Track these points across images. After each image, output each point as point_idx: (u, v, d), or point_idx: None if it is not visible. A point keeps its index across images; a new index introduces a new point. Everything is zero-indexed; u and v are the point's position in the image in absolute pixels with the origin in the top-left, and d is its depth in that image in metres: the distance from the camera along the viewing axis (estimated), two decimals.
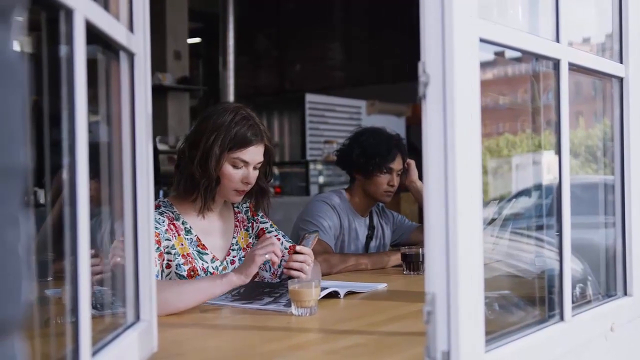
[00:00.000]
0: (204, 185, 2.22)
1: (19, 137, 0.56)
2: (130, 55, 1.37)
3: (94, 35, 1.13)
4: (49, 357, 1.15)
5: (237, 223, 2.42)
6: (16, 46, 0.59)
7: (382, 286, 2.40)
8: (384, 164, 3.04)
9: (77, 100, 1.03)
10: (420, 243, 3.07)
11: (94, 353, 1.11)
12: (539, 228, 1.98)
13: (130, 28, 1.37)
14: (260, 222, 2.47)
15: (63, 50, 1.03)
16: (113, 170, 1.39)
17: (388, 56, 9.52)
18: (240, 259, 2.36)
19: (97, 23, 1.13)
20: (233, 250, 2.38)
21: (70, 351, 1.03)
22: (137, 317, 1.40)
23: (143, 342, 1.37)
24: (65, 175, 1.04)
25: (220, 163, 2.21)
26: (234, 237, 2.39)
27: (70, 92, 1.03)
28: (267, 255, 2.01)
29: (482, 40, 1.28)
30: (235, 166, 2.24)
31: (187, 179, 2.25)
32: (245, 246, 2.41)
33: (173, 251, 2.19)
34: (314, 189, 7.51)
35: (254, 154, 2.25)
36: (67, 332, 1.05)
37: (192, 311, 1.97)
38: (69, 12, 1.02)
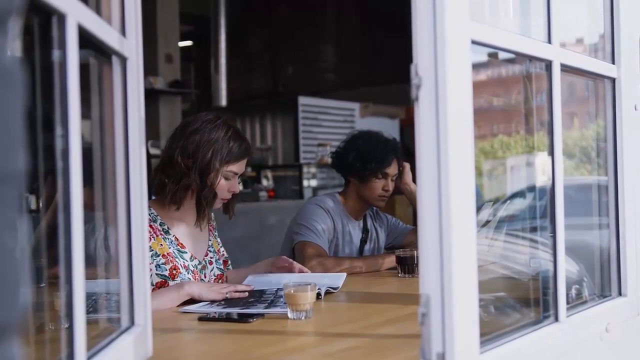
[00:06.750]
0: (206, 198, 2.31)
1: (18, 142, 0.57)
2: (123, 60, 1.37)
3: (86, 40, 1.13)
4: None
5: (211, 228, 2.53)
6: (13, 51, 0.59)
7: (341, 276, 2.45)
8: (380, 169, 3.02)
9: (70, 104, 1.03)
10: (414, 245, 3.07)
11: (89, 358, 1.11)
12: (534, 229, 1.98)
13: (123, 32, 1.37)
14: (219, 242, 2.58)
15: (55, 54, 1.03)
16: (106, 175, 1.38)
17: (381, 58, 9.53)
18: (216, 260, 2.48)
19: (89, 27, 1.13)
20: (210, 251, 2.47)
21: (65, 356, 1.02)
22: (132, 322, 1.39)
23: (138, 346, 1.37)
24: (58, 180, 1.03)
25: (219, 177, 2.31)
26: (209, 240, 2.49)
27: (63, 97, 1.02)
28: (228, 295, 2.17)
29: (473, 42, 1.28)
30: (226, 178, 2.34)
31: (181, 189, 2.29)
32: (217, 250, 2.51)
33: (150, 252, 2.23)
34: (307, 192, 7.50)
35: (244, 165, 2.39)
36: (60, 338, 1.05)
37: (186, 317, 1.97)
38: (62, 17, 1.02)
